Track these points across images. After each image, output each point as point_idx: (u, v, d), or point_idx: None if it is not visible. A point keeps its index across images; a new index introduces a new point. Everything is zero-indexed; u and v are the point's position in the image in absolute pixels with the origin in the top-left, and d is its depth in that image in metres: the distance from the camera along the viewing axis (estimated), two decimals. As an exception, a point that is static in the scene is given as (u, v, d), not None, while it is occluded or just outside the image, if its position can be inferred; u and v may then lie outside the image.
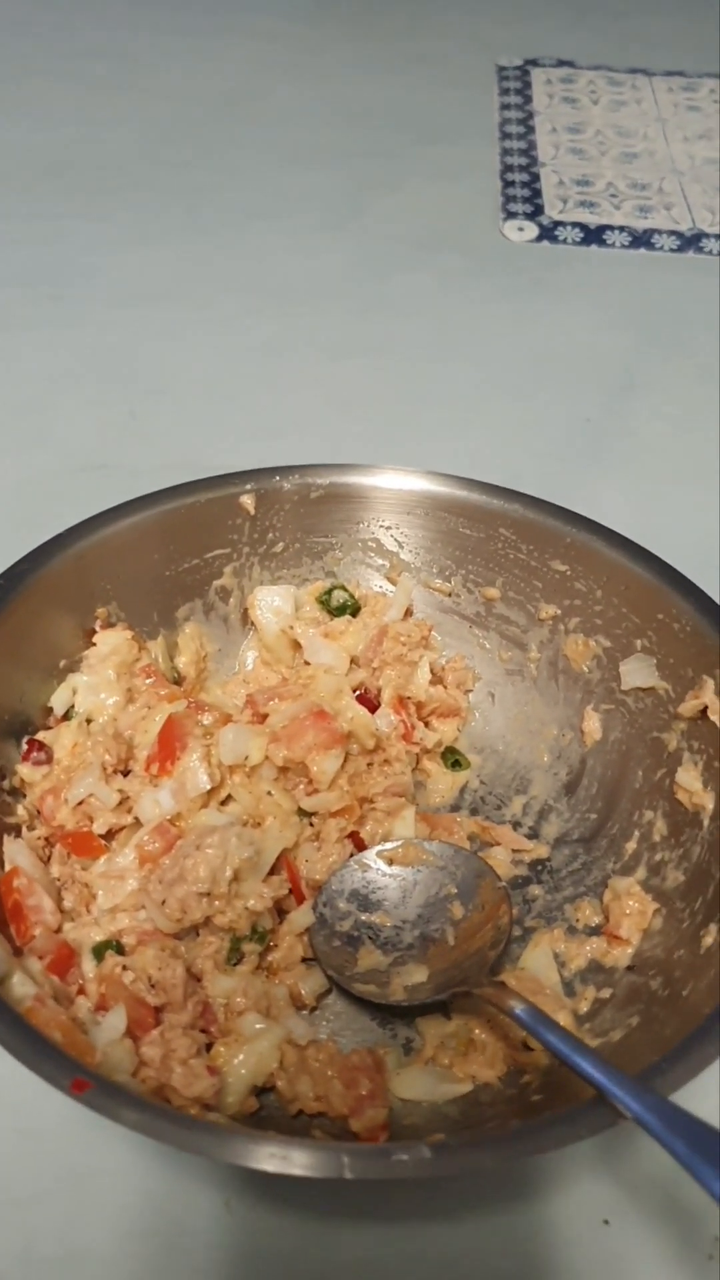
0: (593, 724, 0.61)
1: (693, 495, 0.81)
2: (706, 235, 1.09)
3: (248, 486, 0.63)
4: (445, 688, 0.65)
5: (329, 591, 0.65)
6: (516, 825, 0.61)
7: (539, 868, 0.59)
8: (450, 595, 0.66)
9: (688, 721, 0.57)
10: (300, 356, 0.91)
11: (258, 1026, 0.49)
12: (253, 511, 0.63)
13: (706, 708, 0.56)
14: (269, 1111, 0.49)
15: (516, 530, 0.63)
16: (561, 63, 1.39)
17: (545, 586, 0.63)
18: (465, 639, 0.66)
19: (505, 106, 1.30)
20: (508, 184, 1.15)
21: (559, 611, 0.63)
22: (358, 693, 0.61)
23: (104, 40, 1.36)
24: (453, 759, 0.64)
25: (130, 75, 1.30)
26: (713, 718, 0.55)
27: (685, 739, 0.57)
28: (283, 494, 0.63)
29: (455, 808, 0.63)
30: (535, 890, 0.59)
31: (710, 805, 0.54)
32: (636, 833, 0.58)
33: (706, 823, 0.54)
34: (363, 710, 0.59)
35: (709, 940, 0.50)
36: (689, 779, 0.56)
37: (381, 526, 0.65)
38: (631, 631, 0.60)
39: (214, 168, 1.14)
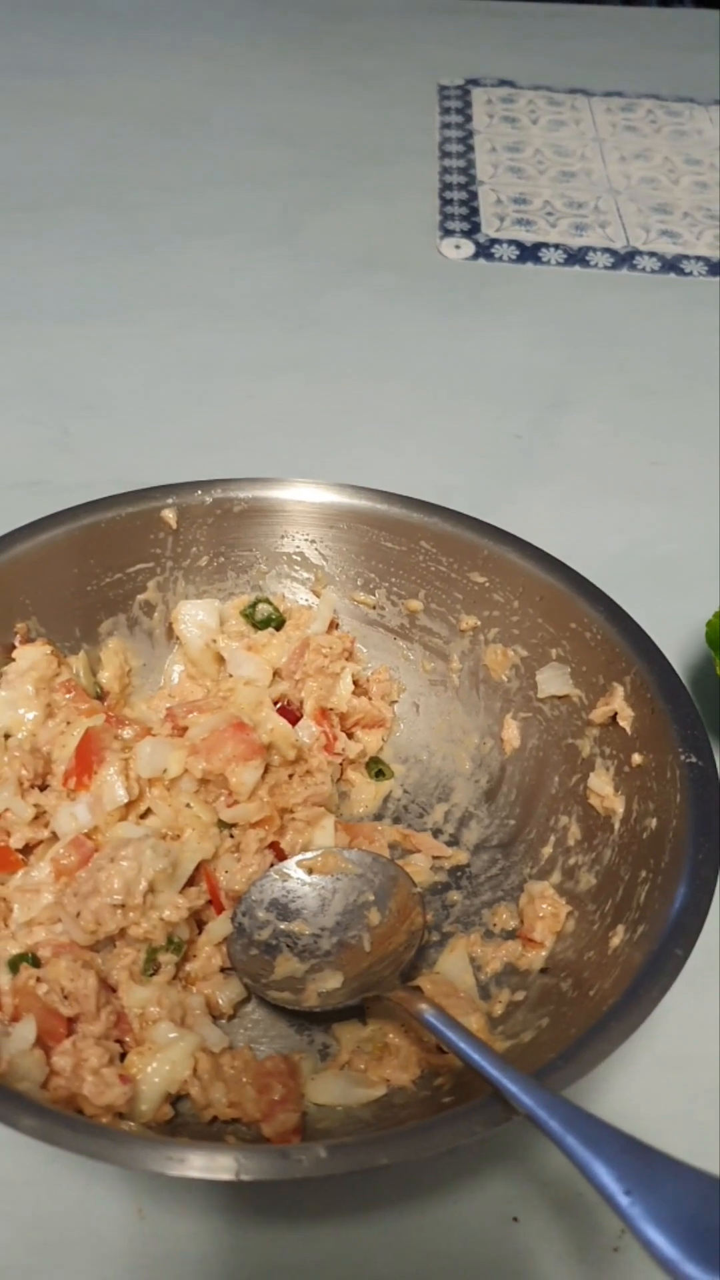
0: (512, 732, 0.63)
1: (617, 509, 0.82)
2: (640, 253, 1.11)
3: (169, 501, 0.64)
4: (370, 699, 0.66)
5: (253, 605, 0.66)
6: (437, 833, 0.62)
7: (459, 874, 0.60)
8: (375, 608, 0.67)
9: (599, 728, 0.58)
10: (235, 373, 0.93)
11: (171, 1035, 0.50)
12: (175, 526, 0.64)
13: (616, 714, 0.57)
14: (184, 1119, 0.49)
15: (437, 543, 0.64)
16: (502, 82, 1.41)
17: (465, 598, 0.64)
18: (390, 650, 0.67)
19: (446, 125, 1.32)
20: (446, 202, 1.17)
21: (479, 622, 0.64)
22: (279, 705, 0.62)
23: (43, 58, 1.37)
24: (376, 769, 0.65)
25: (69, 92, 1.31)
26: (622, 724, 0.57)
27: (598, 745, 0.58)
28: (204, 508, 0.64)
29: (379, 816, 0.63)
30: (454, 896, 0.60)
31: (620, 809, 0.56)
32: (552, 837, 0.59)
33: (617, 826, 0.56)
34: (282, 722, 0.60)
35: (616, 941, 0.51)
36: (600, 784, 0.57)
37: (306, 540, 0.66)
38: (547, 641, 0.61)
39: (152, 185, 1.15)
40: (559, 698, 0.61)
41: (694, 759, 0.52)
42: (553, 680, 0.61)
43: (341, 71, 1.39)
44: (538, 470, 0.85)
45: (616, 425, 0.90)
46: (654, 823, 0.53)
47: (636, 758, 0.55)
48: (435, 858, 0.61)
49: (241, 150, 1.22)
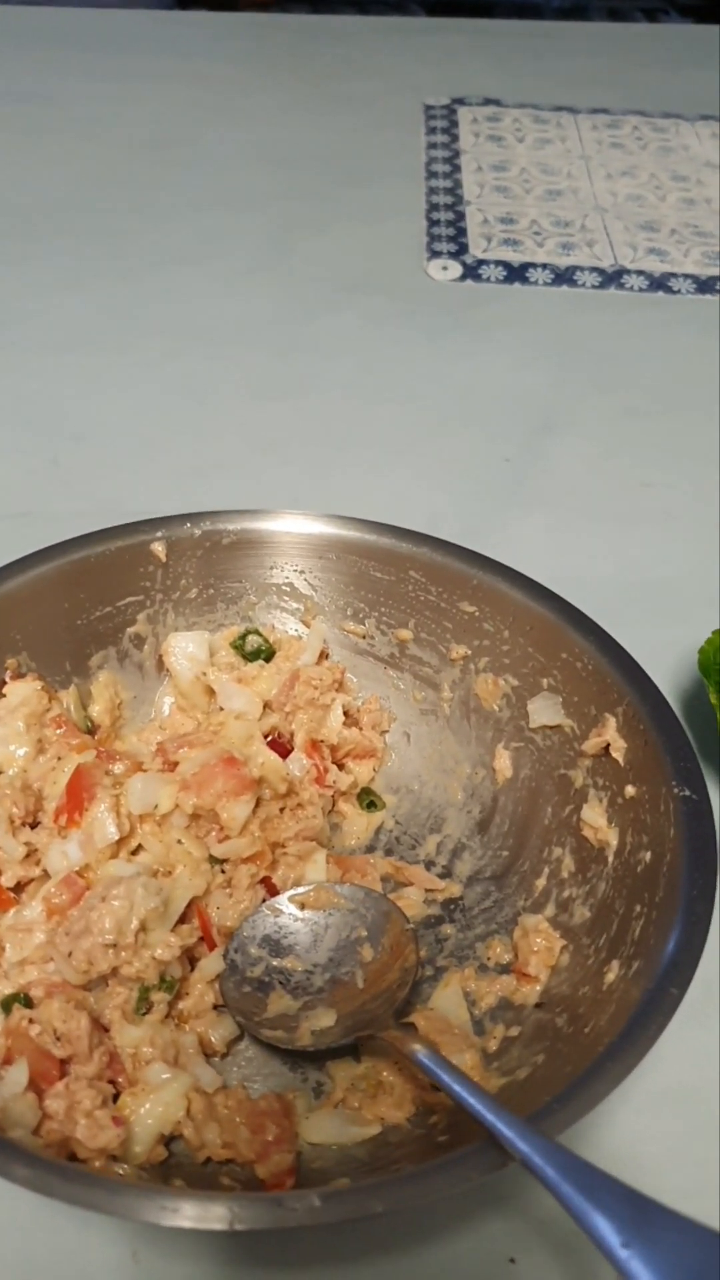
0: (503, 762, 0.62)
1: (608, 532, 0.82)
2: (627, 271, 1.11)
3: (158, 534, 0.63)
4: (361, 729, 0.65)
5: (243, 636, 0.66)
6: (430, 865, 0.62)
7: (452, 907, 0.60)
8: (365, 637, 0.67)
9: (592, 759, 0.58)
10: (225, 399, 0.93)
11: (164, 1076, 0.49)
12: (164, 559, 0.64)
13: (609, 745, 0.57)
14: (178, 1159, 0.49)
15: (426, 573, 0.64)
16: (488, 101, 1.41)
17: (455, 627, 0.64)
18: (380, 680, 0.67)
19: (432, 146, 1.32)
20: (433, 223, 1.18)
21: (469, 652, 0.64)
22: (270, 738, 0.62)
23: (31, 83, 1.37)
24: (368, 800, 0.64)
25: (56, 119, 1.31)
26: (615, 755, 0.57)
27: (590, 776, 0.58)
28: (194, 540, 0.64)
29: (371, 848, 0.63)
30: (448, 929, 0.59)
31: (614, 841, 0.56)
32: (546, 869, 0.59)
33: (611, 859, 0.56)
34: (273, 755, 0.60)
35: (610, 977, 0.51)
36: (594, 815, 0.57)
37: (295, 570, 0.66)
38: (537, 670, 0.61)
39: (140, 211, 1.15)
40: (551, 728, 0.60)
41: (687, 792, 0.52)
42: (544, 710, 0.61)
43: (328, 93, 1.39)
44: (528, 494, 0.85)
45: (606, 447, 0.90)
46: (648, 856, 0.53)
47: (630, 789, 0.55)
48: (428, 890, 0.61)
49: (229, 174, 1.23)
